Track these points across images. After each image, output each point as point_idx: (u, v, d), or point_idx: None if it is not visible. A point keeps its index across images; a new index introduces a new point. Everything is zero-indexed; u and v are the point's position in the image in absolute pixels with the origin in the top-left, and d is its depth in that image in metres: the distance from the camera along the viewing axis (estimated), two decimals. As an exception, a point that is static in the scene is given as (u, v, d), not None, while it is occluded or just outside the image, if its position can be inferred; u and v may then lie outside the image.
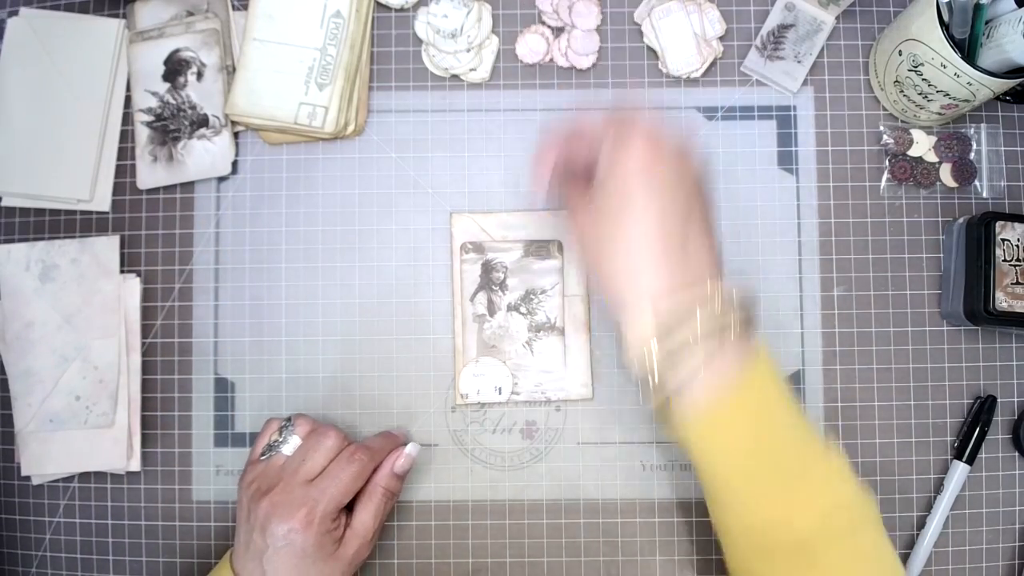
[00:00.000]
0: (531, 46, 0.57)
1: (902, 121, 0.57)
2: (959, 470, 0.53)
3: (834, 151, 0.57)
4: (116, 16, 0.58)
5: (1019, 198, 0.56)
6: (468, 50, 0.56)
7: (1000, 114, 0.57)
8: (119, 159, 0.57)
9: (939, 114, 0.54)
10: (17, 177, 0.56)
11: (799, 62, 0.56)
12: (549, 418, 0.55)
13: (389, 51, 0.58)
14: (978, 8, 0.49)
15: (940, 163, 0.56)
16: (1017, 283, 0.52)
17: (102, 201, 0.57)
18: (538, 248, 0.56)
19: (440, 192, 0.57)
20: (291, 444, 0.49)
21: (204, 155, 0.56)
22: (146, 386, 0.56)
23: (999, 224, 0.52)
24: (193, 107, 0.56)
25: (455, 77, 0.57)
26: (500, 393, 0.55)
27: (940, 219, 0.56)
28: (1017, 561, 0.54)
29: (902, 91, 0.54)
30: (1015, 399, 0.55)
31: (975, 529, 0.54)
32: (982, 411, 0.54)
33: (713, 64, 0.57)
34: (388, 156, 0.57)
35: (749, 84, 0.57)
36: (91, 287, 0.55)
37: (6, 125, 0.56)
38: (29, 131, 0.56)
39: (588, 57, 0.56)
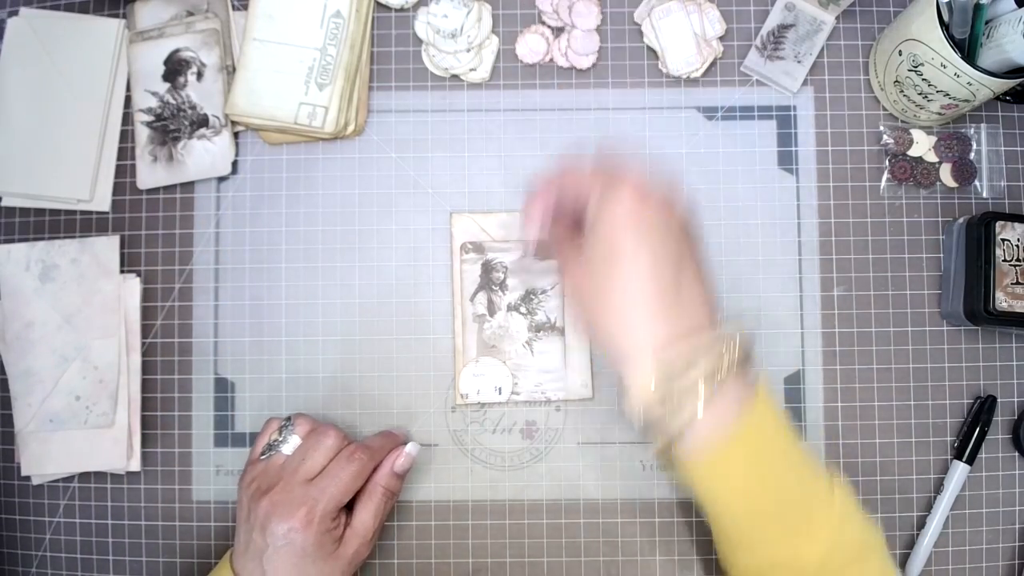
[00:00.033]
0: (531, 46, 0.57)
1: (902, 121, 0.57)
2: (959, 470, 0.53)
3: (834, 151, 0.57)
4: (116, 16, 0.58)
5: (1019, 198, 0.56)
6: (468, 50, 0.56)
7: (1000, 114, 0.57)
8: (119, 159, 0.57)
9: (939, 114, 0.54)
10: (17, 177, 0.56)
11: (799, 62, 0.56)
12: (549, 418, 0.55)
13: (389, 51, 0.58)
14: (978, 8, 0.49)
15: (940, 163, 0.56)
16: (1017, 283, 0.52)
17: (102, 201, 0.57)
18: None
19: (440, 192, 0.57)
20: (291, 443, 0.49)
21: (204, 155, 0.56)
22: (146, 386, 0.56)
23: (999, 224, 0.52)
24: (193, 107, 0.56)
25: (455, 77, 0.57)
26: (500, 393, 0.55)
27: (940, 219, 0.56)
28: (1017, 561, 0.54)
29: (902, 91, 0.54)
30: (1015, 399, 0.55)
31: (975, 529, 0.54)
32: (982, 411, 0.54)
33: (713, 64, 0.57)
34: (388, 156, 0.57)
35: (749, 84, 0.57)
36: (91, 287, 0.55)
37: (6, 125, 0.56)
38: (29, 131, 0.56)
39: (588, 57, 0.57)
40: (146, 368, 0.56)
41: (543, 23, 0.57)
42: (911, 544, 0.54)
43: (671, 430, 0.39)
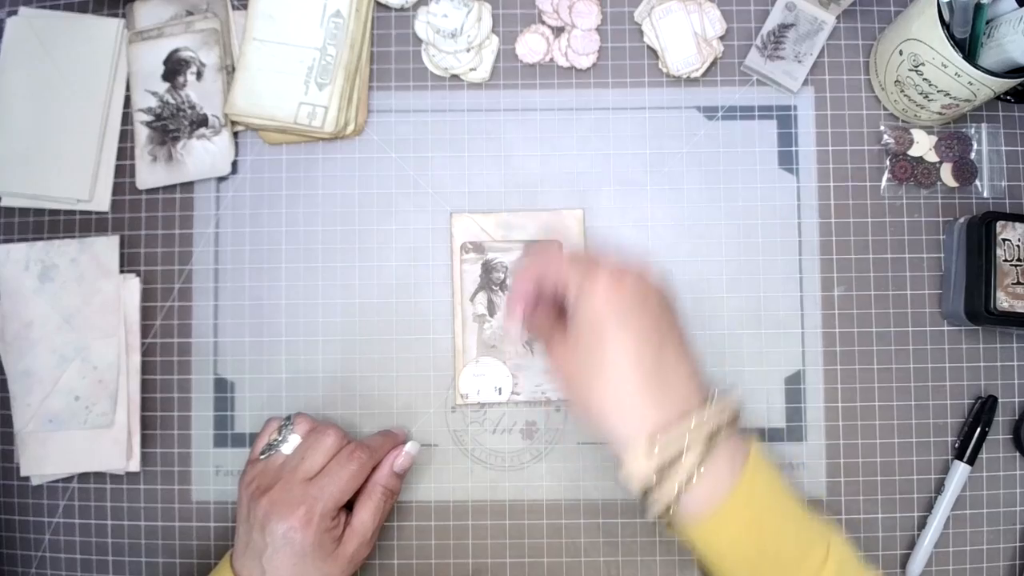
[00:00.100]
0: (531, 46, 0.57)
1: (903, 121, 0.57)
2: (960, 470, 0.53)
3: (834, 151, 0.57)
4: (116, 16, 0.58)
5: (1020, 198, 0.56)
6: (468, 50, 0.56)
7: (1001, 114, 0.57)
8: (119, 159, 0.57)
9: (940, 114, 0.54)
10: (17, 177, 0.56)
11: (799, 62, 0.56)
12: (549, 418, 0.55)
13: (389, 51, 0.58)
14: (978, 8, 0.49)
15: (941, 163, 0.56)
16: (1018, 283, 0.52)
17: (102, 201, 0.57)
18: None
19: (440, 192, 0.57)
20: (291, 443, 0.49)
21: (204, 155, 0.56)
22: (146, 386, 0.56)
23: (1000, 224, 0.52)
24: (193, 107, 0.56)
25: (455, 77, 0.57)
26: (500, 393, 0.55)
27: (940, 219, 0.56)
28: (1018, 561, 0.54)
29: (903, 91, 0.54)
30: (1016, 399, 0.55)
31: (976, 529, 0.54)
32: (983, 411, 0.54)
33: (713, 64, 0.57)
34: (388, 156, 0.57)
35: (749, 84, 0.57)
36: (91, 287, 0.55)
37: (6, 125, 0.56)
38: (29, 131, 0.56)
39: (588, 57, 0.56)
40: (146, 368, 0.56)
41: (543, 23, 0.57)
42: (911, 544, 0.54)
43: (667, 497, 0.40)
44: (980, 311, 0.52)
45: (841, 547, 0.42)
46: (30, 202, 0.57)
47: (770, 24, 0.56)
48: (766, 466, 0.42)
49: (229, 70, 0.56)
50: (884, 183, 0.56)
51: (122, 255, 0.56)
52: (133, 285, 0.56)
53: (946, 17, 0.49)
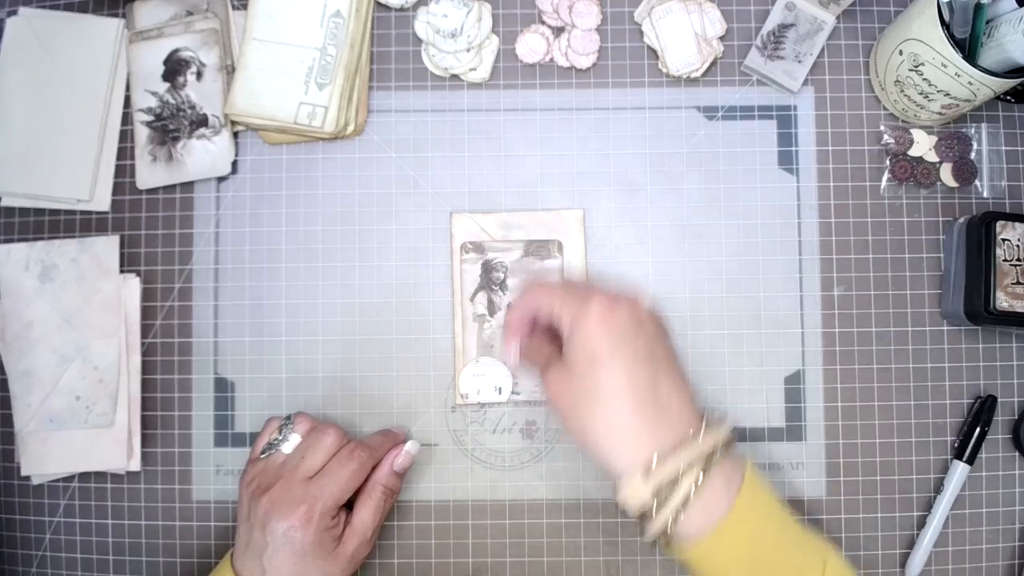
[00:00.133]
0: (531, 46, 0.57)
1: (903, 121, 0.57)
2: (959, 470, 0.53)
3: (834, 151, 0.57)
4: (116, 16, 0.58)
5: (1019, 198, 0.56)
6: (468, 50, 0.56)
7: (1001, 114, 0.57)
8: (119, 159, 0.57)
9: (940, 114, 0.54)
10: (17, 177, 0.56)
11: (799, 62, 0.56)
12: (549, 418, 0.55)
13: (389, 51, 0.58)
14: (978, 8, 0.49)
15: (940, 163, 0.56)
16: (1017, 283, 0.52)
17: (102, 201, 0.57)
18: (538, 248, 0.56)
19: (440, 192, 0.57)
20: (291, 442, 0.49)
21: (204, 155, 0.56)
22: (146, 386, 0.56)
23: (999, 224, 0.52)
24: (193, 107, 0.56)
25: (455, 77, 0.57)
26: (500, 393, 0.55)
27: (940, 219, 0.56)
28: (1017, 561, 0.54)
29: (903, 91, 0.54)
30: (1015, 399, 0.55)
31: (975, 529, 0.54)
32: (982, 411, 0.54)
33: (713, 64, 0.57)
34: (388, 156, 0.57)
35: (749, 84, 0.57)
36: (91, 287, 0.55)
37: (6, 125, 0.56)
38: (29, 131, 0.56)
39: (588, 57, 0.56)
40: (146, 368, 0.56)
41: (543, 23, 0.57)
42: (911, 543, 0.54)
43: (664, 521, 0.40)
44: (980, 311, 0.52)
45: (837, 564, 0.43)
46: (30, 202, 0.57)
47: (770, 24, 0.56)
48: (761, 487, 0.43)
49: (229, 70, 0.56)
50: (884, 183, 0.56)
51: (122, 255, 0.56)
52: (133, 285, 0.56)
53: (946, 17, 0.49)
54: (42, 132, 0.56)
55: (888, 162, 0.56)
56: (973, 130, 0.56)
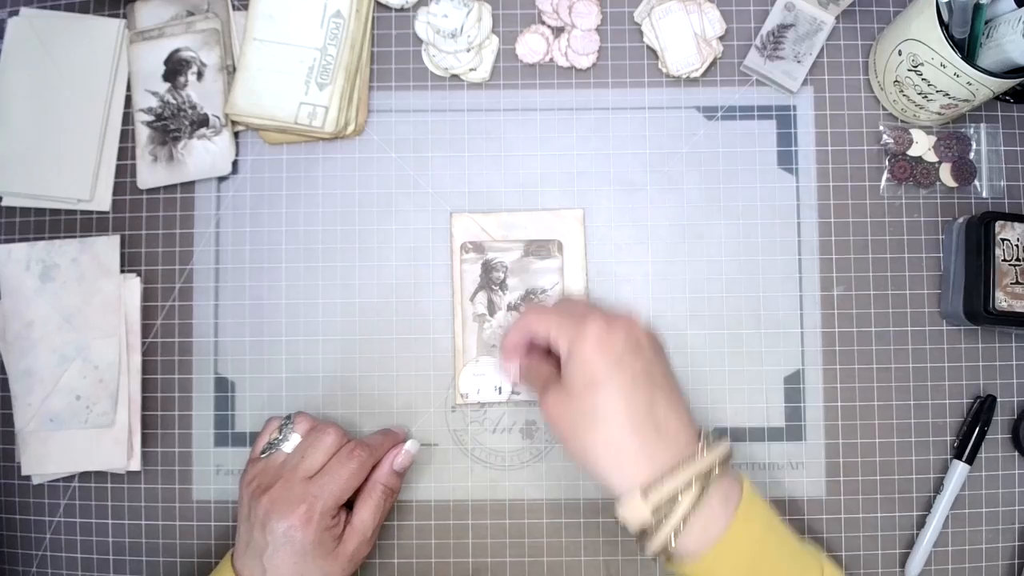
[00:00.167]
0: (531, 46, 0.57)
1: (902, 121, 0.57)
2: (959, 470, 0.53)
3: (834, 151, 0.57)
4: (116, 16, 0.58)
5: (1019, 198, 0.56)
6: (468, 50, 0.56)
7: (1000, 114, 0.57)
8: (119, 159, 0.57)
9: (939, 114, 0.54)
10: (17, 177, 0.56)
11: (799, 62, 0.56)
12: (549, 418, 0.55)
13: (389, 51, 0.58)
14: (978, 8, 0.49)
15: (940, 163, 0.56)
16: (1017, 283, 0.52)
17: (102, 201, 0.57)
18: (538, 248, 0.56)
19: (440, 192, 0.57)
20: (291, 442, 0.49)
21: (204, 155, 0.56)
22: (146, 386, 0.56)
23: (999, 224, 0.52)
24: (193, 107, 0.56)
25: (455, 77, 0.57)
26: (500, 393, 0.55)
27: (940, 219, 0.56)
28: (1017, 561, 0.54)
29: (902, 91, 0.54)
30: (1015, 399, 0.55)
31: (975, 529, 0.54)
32: (982, 411, 0.54)
33: (713, 64, 0.57)
34: (388, 156, 0.57)
35: (749, 84, 0.57)
36: (91, 287, 0.55)
37: (6, 125, 0.56)
38: (29, 131, 0.56)
39: (588, 57, 0.57)
40: (146, 368, 0.56)
41: (543, 23, 0.57)
42: (910, 543, 0.54)
43: (664, 538, 0.41)
44: (979, 311, 0.52)
45: (834, 573, 0.44)
46: (31, 202, 0.57)
47: (769, 24, 0.57)
48: (759, 502, 0.43)
49: (230, 70, 0.56)
50: (883, 183, 0.56)
51: (123, 255, 0.56)
52: (134, 285, 0.56)
53: (945, 17, 0.49)
54: (43, 132, 0.56)
55: (887, 162, 0.56)
56: (972, 130, 0.56)
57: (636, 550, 0.54)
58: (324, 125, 0.54)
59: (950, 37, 0.48)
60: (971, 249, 0.53)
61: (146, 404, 0.56)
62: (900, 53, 0.52)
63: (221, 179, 0.57)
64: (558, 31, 0.57)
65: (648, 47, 0.57)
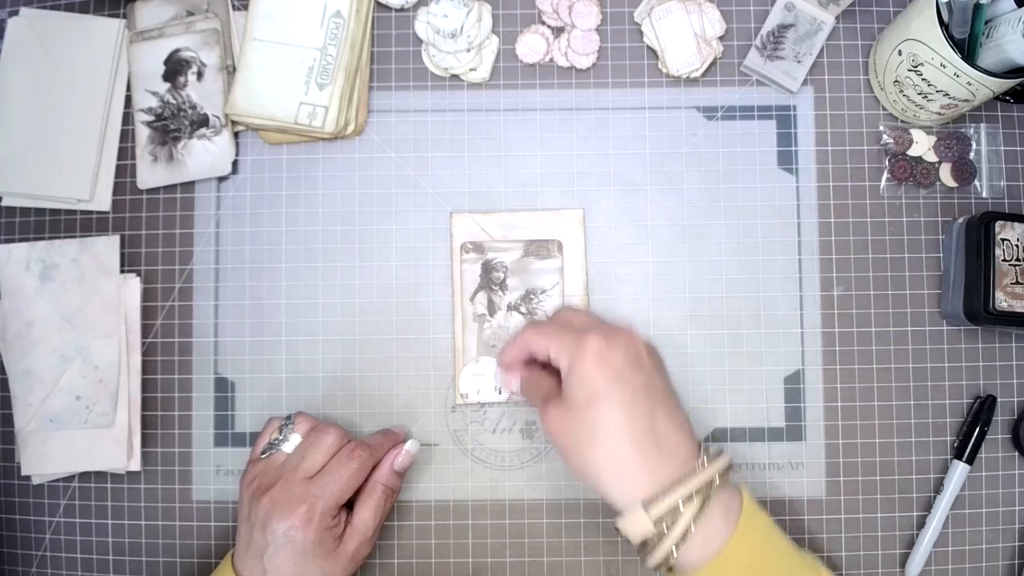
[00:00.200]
0: (531, 46, 0.57)
1: (902, 121, 0.57)
2: (959, 470, 0.53)
3: (834, 151, 0.57)
4: (116, 16, 0.58)
5: (1019, 198, 0.57)
6: (468, 50, 0.56)
7: (1000, 114, 0.57)
8: (119, 159, 0.57)
9: (939, 114, 0.54)
10: (17, 177, 0.56)
11: (799, 62, 0.56)
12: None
13: (389, 51, 0.58)
14: (978, 8, 0.49)
15: (940, 163, 0.56)
16: (1017, 283, 0.52)
17: (102, 201, 0.57)
18: (538, 248, 0.56)
19: (440, 192, 0.57)
20: (291, 442, 0.49)
21: (204, 155, 0.56)
22: (146, 386, 0.56)
23: (999, 224, 0.52)
24: (193, 107, 0.56)
25: (455, 77, 0.57)
26: (500, 393, 0.55)
27: (940, 219, 0.56)
28: (1017, 561, 0.54)
29: (902, 91, 0.54)
30: (1015, 399, 0.55)
31: (975, 529, 0.54)
32: (982, 411, 0.54)
33: (713, 64, 0.57)
34: (388, 156, 0.57)
35: (749, 84, 0.57)
36: (91, 287, 0.55)
37: (6, 125, 0.56)
38: (29, 131, 0.56)
39: (588, 57, 0.57)
40: (146, 368, 0.56)
41: (543, 23, 0.57)
42: (911, 543, 0.54)
43: (665, 551, 0.41)
44: (979, 311, 0.52)
45: None
46: (31, 202, 0.57)
47: (769, 24, 0.57)
48: (759, 514, 0.44)
49: (229, 70, 0.56)
50: (883, 183, 0.56)
51: (123, 255, 0.56)
52: (133, 285, 0.56)
53: (945, 17, 0.49)
54: (43, 132, 0.56)
55: (887, 162, 0.56)
56: (972, 130, 0.56)
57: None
58: (324, 125, 0.54)
59: (950, 37, 0.48)
60: (971, 249, 0.53)
61: (146, 404, 0.56)
62: (900, 53, 0.52)
63: (221, 179, 0.57)
64: (558, 31, 0.57)
65: (648, 47, 0.57)
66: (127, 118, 0.57)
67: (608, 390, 0.42)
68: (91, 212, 0.57)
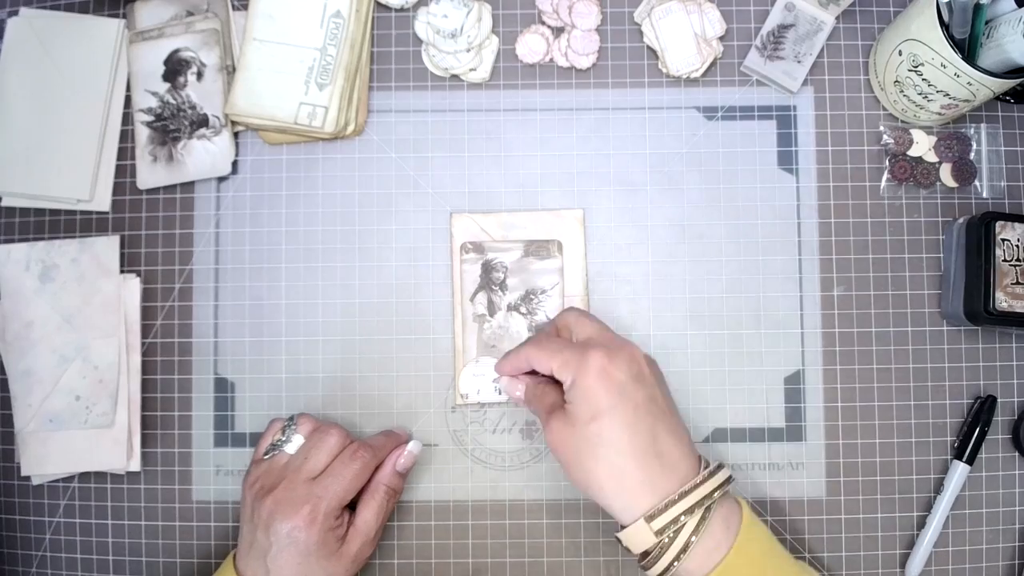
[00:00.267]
0: (531, 46, 0.57)
1: (902, 121, 0.57)
2: (959, 470, 0.53)
3: (834, 151, 0.57)
4: (116, 16, 0.58)
5: (1019, 198, 0.56)
6: (468, 50, 0.56)
7: (1000, 114, 0.57)
8: (119, 159, 0.57)
9: (939, 114, 0.54)
10: (17, 177, 0.56)
11: (799, 62, 0.56)
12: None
13: (389, 51, 0.58)
14: (978, 8, 0.49)
15: (940, 163, 0.56)
16: (1017, 283, 0.52)
17: (102, 201, 0.57)
18: (538, 248, 0.56)
19: (440, 192, 0.57)
20: (294, 443, 0.49)
21: (204, 155, 0.56)
22: (146, 386, 0.56)
23: (999, 224, 0.52)
24: (193, 107, 0.56)
25: (455, 77, 0.57)
26: (500, 393, 0.55)
27: (940, 219, 0.56)
28: (1017, 561, 0.54)
29: (902, 91, 0.54)
30: (1015, 399, 0.55)
31: (975, 529, 0.54)
32: (982, 411, 0.54)
33: (713, 64, 0.57)
34: (388, 156, 0.57)
35: (749, 84, 0.57)
36: (91, 287, 0.55)
37: (6, 125, 0.56)
38: (29, 131, 0.56)
39: (588, 57, 0.57)
40: (146, 368, 0.56)
41: (543, 23, 0.57)
42: (911, 544, 0.54)
43: (667, 560, 0.42)
44: (979, 311, 0.52)
45: None
46: (30, 202, 0.57)
47: (770, 24, 0.57)
48: (758, 526, 0.44)
49: (229, 70, 0.56)
50: (884, 183, 0.56)
51: (122, 255, 0.56)
52: (133, 285, 0.56)
53: (945, 17, 0.49)
54: (43, 132, 0.56)
55: (888, 162, 0.56)
56: (972, 130, 0.56)
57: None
58: (324, 125, 0.54)
59: (950, 37, 0.48)
60: (971, 249, 0.53)
61: (146, 404, 0.56)
62: (900, 53, 0.52)
63: (221, 179, 0.57)
64: (558, 31, 0.57)
65: (648, 47, 0.57)
66: (127, 118, 0.57)
67: (611, 405, 0.43)
68: (91, 212, 0.57)
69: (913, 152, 0.56)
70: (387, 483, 0.49)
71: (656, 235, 0.56)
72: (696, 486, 0.42)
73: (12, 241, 0.57)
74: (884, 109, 0.57)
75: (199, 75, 0.56)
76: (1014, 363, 0.55)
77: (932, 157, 0.56)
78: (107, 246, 0.56)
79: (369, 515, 0.48)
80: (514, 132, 0.57)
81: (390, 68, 0.57)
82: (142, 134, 0.56)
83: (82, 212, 0.57)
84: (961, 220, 0.55)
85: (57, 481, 0.56)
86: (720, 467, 0.44)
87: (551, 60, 0.57)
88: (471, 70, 0.56)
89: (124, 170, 0.57)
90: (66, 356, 0.55)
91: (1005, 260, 0.52)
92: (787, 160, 0.57)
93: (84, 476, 0.56)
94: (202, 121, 0.56)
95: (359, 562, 0.48)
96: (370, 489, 0.49)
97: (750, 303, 0.56)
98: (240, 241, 0.57)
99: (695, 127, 0.57)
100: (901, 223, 0.56)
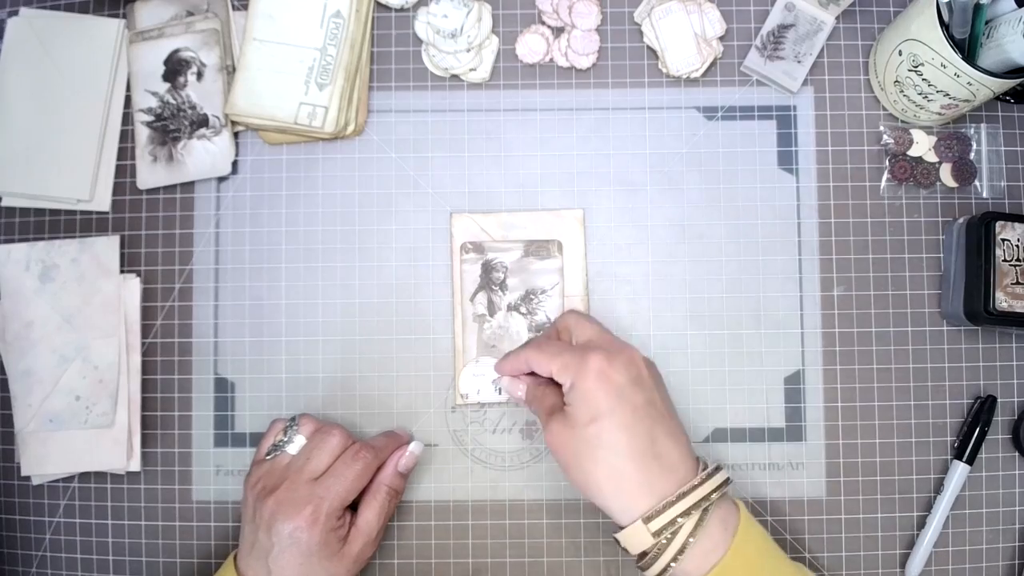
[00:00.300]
0: (531, 46, 0.57)
1: (902, 121, 0.57)
2: (959, 470, 0.53)
3: (834, 151, 0.57)
4: (116, 16, 0.58)
5: (1019, 198, 0.57)
6: (468, 50, 0.56)
7: (1000, 114, 0.57)
8: (119, 159, 0.57)
9: (939, 114, 0.54)
10: (17, 177, 0.56)
11: (799, 62, 0.56)
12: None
13: (389, 51, 0.58)
14: (978, 8, 0.49)
15: (940, 163, 0.56)
16: (1017, 283, 0.52)
17: (102, 201, 0.57)
18: (538, 248, 0.56)
19: (440, 192, 0.57)
20: (296, 443, 0.49)
21: (204, 155, 0.56)
22: (146, 386, 0.56)
23: (999, 224, 0.52)
24: (193, 107, 0.56)
25: (455, 77, 0.57)
26: (500, 393, 0.55)
27: (940, 219, 0.56)
28: (1017, 561, 0.54)
29: (902, 91, 0.54)
30: (1015, 399, 0.55)
31: (975, 529, 0.54)
32: (982, 411, 0.54)
33: (713, 64, 0.57)
34: (388, 156, 0.57)
35: (749, 84, 0.57)
36: (91, 287, 0.55)
37: (6, 125, 0.56)
38: (29, 131, 0.56)
39: (588, 57, 0.57)
40: (146, 368, 0.56)
41: (543, 23, 0.57)
42: (911, 544, 0.54)
43: (665, 561, 0.42)
44: (979, 311, 0.52)
45: None
46: (30, 202, 0.57)
47: (770, 24, 0.57)
48: (756, 528, 0.45)
49: (229, 70, 0.56)
50: (884, 183, 0.56)
51: (122, 255, 0.56)
52: (133, 285, 0.56)
53: (945, 17, 0.49)
54: (43, 132, 0.56)
55: (888, 162, 0.56)
56: (972, 130, 0.56)
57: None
58: (324, 125, 0.54)
59: (950, 37, 0.48)
60: (971, 249, 0.53)
61: (146, 404, 0.56)
62: (900, 53, 0.52)
63: (221, 179, 0.57)
64: (558, 31, 0.57)
65: (648, 47, 0.57)
66: (127, 118, 0.57)
67: (610, 408, 0.43)
68: (91, 212, 0.57)
69: (913, 152, 0.56)
70: (389, 484, 0.49)
71: (656, 235, 0.56)
72: (694, 488, 0.43)
73: (12, 241, 0.57)
74: (884, 109, 0.57)
75: (199, 75, 0.56)
76: (1014, 363, 0.55)
77: (932, 157, 0.56)
78: (107, 246, 0.56)
79: (371, 515, 0.48)
80: (514, 132, 0.57)
81: (390, 68, 0.57)
82: (142, 134, 0.56)
83: (82, 212, 0.57)
84: (961, 220, 0.55)
85: (57, 481, 0.56)
86: (718, 469, 0.44)
87: (551, 60, 0.57)
88: (471, 70, 0.56)
89: (124, 170, 0.57)
90: (66, 356, 0.55)
91: (1005, 260, 0.52)
92: (787, 160, 0.57)
93: (84, 476, 0.56)
94: (202, 121, 0.56)
95: (361, 562, 0.48)
96: (372, 490, 0.49)
97: (750, 303, 0.56)
98: (240, 241, 0.57)
99: (695, 127, 0.57)
100: (901, 223, 0.56)
